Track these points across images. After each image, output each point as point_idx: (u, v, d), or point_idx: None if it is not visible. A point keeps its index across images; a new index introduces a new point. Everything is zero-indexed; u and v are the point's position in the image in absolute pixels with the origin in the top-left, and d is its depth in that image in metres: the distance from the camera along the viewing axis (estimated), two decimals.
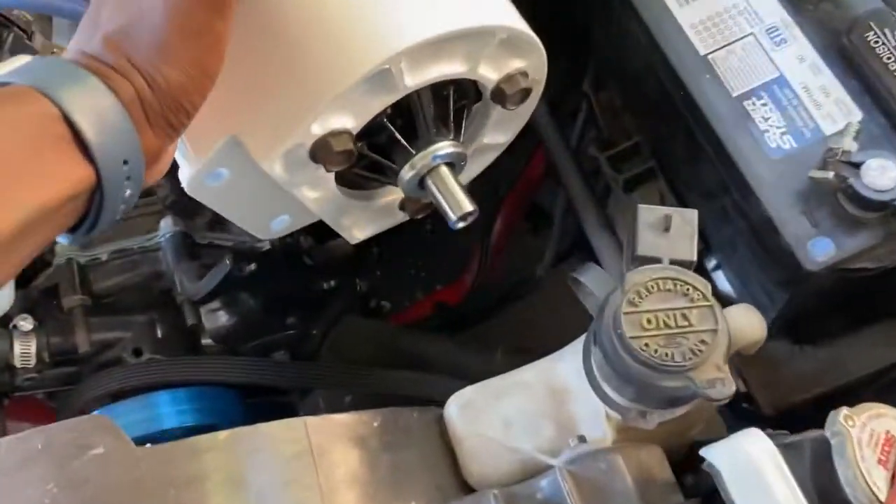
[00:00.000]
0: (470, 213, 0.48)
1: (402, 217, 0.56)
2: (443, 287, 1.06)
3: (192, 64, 0.38)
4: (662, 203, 0.65)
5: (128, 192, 0.38)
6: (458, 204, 0.48)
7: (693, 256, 0.46)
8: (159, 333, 0.74)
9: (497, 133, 0.56)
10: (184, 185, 0.46)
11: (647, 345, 0.42)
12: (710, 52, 0.53)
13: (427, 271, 1.03)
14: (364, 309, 0.93)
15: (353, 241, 0.56)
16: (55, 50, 0.63)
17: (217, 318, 0.72)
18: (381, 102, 0.45)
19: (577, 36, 0.79)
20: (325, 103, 0.43)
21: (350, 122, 0.45)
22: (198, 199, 0.47)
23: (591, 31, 0.71)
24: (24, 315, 0.70)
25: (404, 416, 0.51)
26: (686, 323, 0.43)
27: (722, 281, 0.63)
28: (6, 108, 0.35)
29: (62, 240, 0.40)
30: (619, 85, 0.69)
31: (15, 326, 0.70)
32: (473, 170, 0.59)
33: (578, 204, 0.67)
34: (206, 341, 0.76)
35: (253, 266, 0.64)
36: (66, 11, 0.49)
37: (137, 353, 0.73)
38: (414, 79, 0.45)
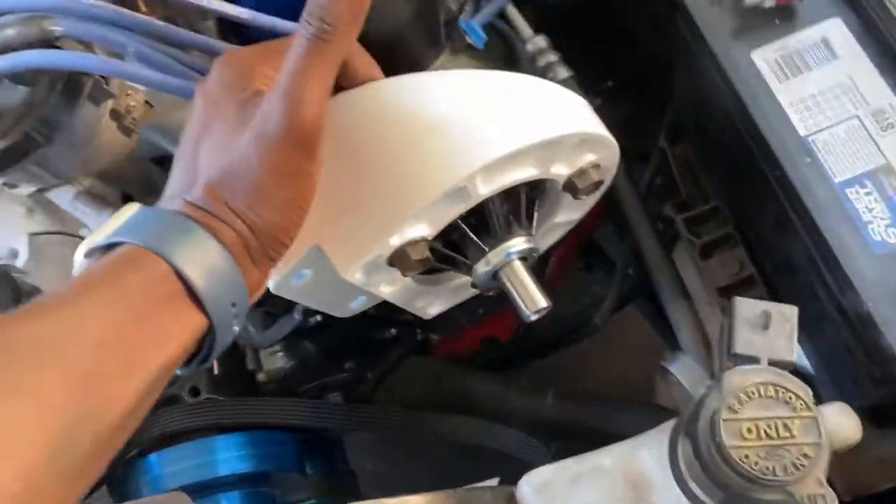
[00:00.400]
0: (544, 309, 0.48)
1: (473, 293, 0.56)
2: (486, 313, 1.05)
3: (288, 204, 0.40)
4: (741, 271, 0.64)
5: (235, 328, 0.40)
6: (532, 299, 0.48)
7: (793, 357, 0.44)
8: (216, 372, 0.73)
9: (569, 212, 0.55)
10: (269, 286, 0.46)
11: (747, 456, 0.40)
12: (811, 134, 0.51)
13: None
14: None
15: (427, 318, 0.56)
16: (130, 92, 0.62)
17: (276, 360, 0.72)
18: (455, 211, 0.46)
19: (655, 76, 0.76)
20: (403, 221, 0.43)
21: (426, 230, 0.45)
22: (281, 296, 0.47)
23: (673, 76, 0.69)
24: None
25: (478, 497, 0.50)
26: (788, 434, 0.41)
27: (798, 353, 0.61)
28: (124, 274, 0.37)
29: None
30: (701, 144, 0.67)
31: None
32: (545, 244, 0.58)
33: (654, 269, 0.65)
34: (260, 377, 0.76)
35: (319, 317, 0.64)
36: (172, 88, 0.48)
37: (195, 391, 0.72)
38: (488, 187, 0.45)
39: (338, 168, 0.44)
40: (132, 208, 0.40)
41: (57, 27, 0.49)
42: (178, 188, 0.41)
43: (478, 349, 0.99)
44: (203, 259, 0.38)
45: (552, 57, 0.69)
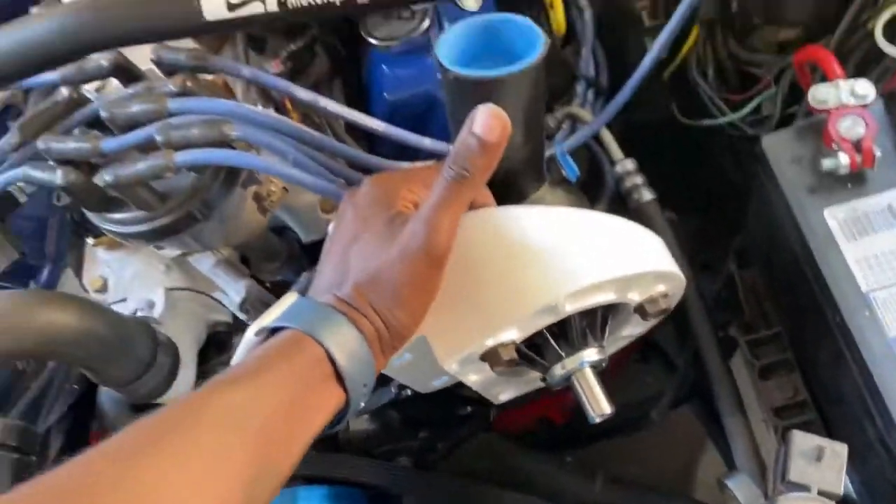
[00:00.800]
0: (608, 414, 0.56)
1: (542, 384, 0.63)
2: (545, 394, 1.10)
3: (417, 307, 0.48)
4: (795, 395, 0.70)
5: (362, 403, 0.48)
6: (598, 404, 0.55)
7: (841, 490, 0.51)
8: None
9: (635, 328, 0.63)
10: None
11: None
12: (872, 290, 0.57)
13: None
14: None
15: (497, 403, 0.63)
16: (272, 179, 0.72)
17: (362, 422, 0.80)
18: (543, 322, 0.54)
19: (727, 197, 0.83)
20: (501, 328, 0.51)
21: (516, 334, 0.53)
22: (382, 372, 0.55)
23: (747, 207, 0.75)
24: None
25: None
26: None
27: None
28: (291, 355, 0.45)
29: None
30: (767, 274, 0.73)
31: None
32: (610, 351, 0.65)
33: (715, 381, 0.71)
34: (343, 435, 0.83)
35: (409, 391, 0.71)
36: (319, 190, 0.57)
37: None
38: (573, 306, 0.53)
39: (449, 275, 0.51)
40: (292, 297, 0.49)
41: (234, 132, 0.58)
42: (328, 283, 0.50)
43: (532, 428, 1.05)
44: (347, 346, 0.46)
45: (638, 179, 0.76)
